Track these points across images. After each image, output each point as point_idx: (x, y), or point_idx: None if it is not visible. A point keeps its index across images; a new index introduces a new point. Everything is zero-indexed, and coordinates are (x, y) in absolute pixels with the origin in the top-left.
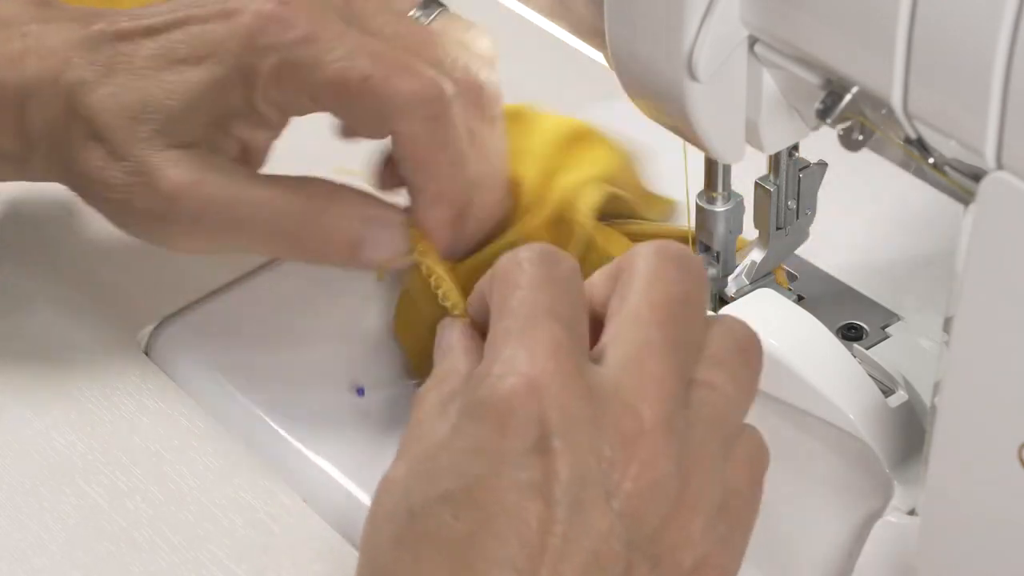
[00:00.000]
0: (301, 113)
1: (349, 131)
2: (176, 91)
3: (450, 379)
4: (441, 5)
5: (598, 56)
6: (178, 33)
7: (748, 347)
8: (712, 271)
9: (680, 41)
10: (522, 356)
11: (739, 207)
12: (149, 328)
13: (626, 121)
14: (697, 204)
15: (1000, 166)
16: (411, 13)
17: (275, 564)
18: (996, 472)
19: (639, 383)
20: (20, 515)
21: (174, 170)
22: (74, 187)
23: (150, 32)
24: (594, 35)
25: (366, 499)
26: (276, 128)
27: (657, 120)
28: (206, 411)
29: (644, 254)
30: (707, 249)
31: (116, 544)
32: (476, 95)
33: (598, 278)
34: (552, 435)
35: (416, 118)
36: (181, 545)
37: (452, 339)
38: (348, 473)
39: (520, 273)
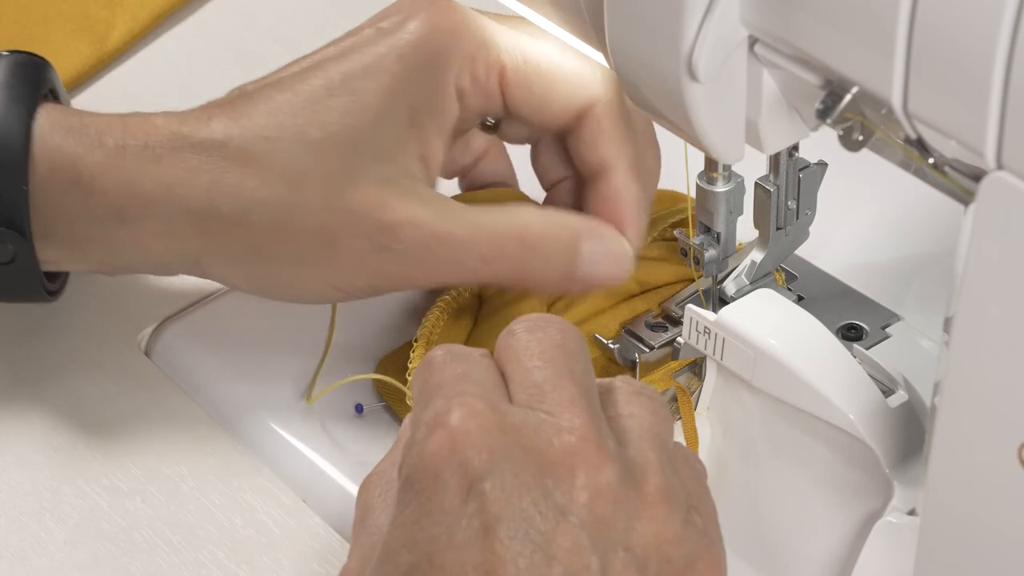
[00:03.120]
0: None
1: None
2: (352, 112)
3: (390, 471)
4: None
5: (598, 56)
6: (327, 49)
7: (643, 390)
8: (712, 252)
9: (680, 41)
10: (440, 412)
11: (739, 188)
12: (149, 328)
13: None
14: (697, 184)
15: (1000, 166)
16: None
17: (275, 564)
18: (996, 472)
19: (556, 407)
20: (20, 515)
21: (385, 208)
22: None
23: (279, 67)
24: (594, 35)
25: None
26: (460, 132)
27: (657, 120)
28: (206, 411)
29: (511, 331)
30: (707, 230)
31: (116, 544)
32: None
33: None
34: (481, 479)
35: (610, 90)
36: (181, 545)
37: (404, 432)
38: (348, 473)
39: (431, 365)
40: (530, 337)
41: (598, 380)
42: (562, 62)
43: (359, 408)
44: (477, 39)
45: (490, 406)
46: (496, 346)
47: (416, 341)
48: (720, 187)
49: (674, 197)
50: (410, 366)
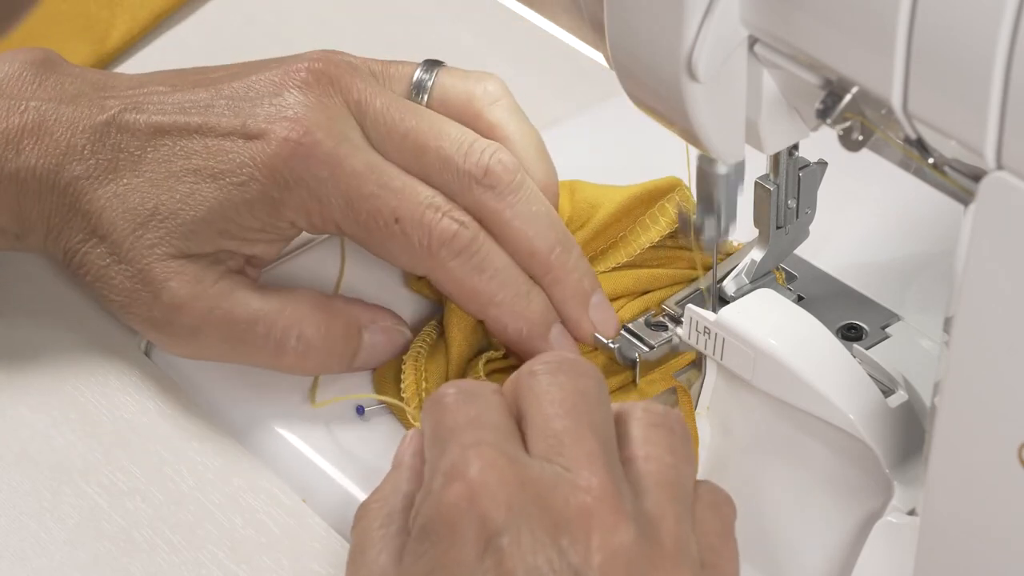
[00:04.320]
0: (323, 233)
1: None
2: (189, 203)
3: (391, 499)
4: (439, 63)
5: (598, 56)
6: (192, 142)
7: (663, 420)
8: (711, 233)
9: (680, 41)
10: (458, 463)
11: (740, 167)
12: None
13: (626, 121)
14: (698, 166)
15: (1000, 166)
16: (415, 76)
17: (275, 564)
18: (996, 472)
19: (574, 462)
20: (20, 515)
21: (175, 282)
22: (72, 275)
23: (160, 132)
24: (594, 35)
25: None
26: (288, 242)
27: (657, 120)
28: (206, 411)
29: (532, 372)
30: (708, 211)
31: (116, 544)
32: (488, 179)
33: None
34: (499, 534)
35: (445, 260)
36: (181, 545)
37: (404, 455)
38: (349, 474)
39: (443, 405)
40: (551, 380)
41: (616, 405)
42: (404, 227)
43: (360, 410)
44: (316, 190)
45: (508, 458)
46: (516, 383)
47: (404, 360)
48: (721, 168)
49: (669, 186)
50: (402, 386)
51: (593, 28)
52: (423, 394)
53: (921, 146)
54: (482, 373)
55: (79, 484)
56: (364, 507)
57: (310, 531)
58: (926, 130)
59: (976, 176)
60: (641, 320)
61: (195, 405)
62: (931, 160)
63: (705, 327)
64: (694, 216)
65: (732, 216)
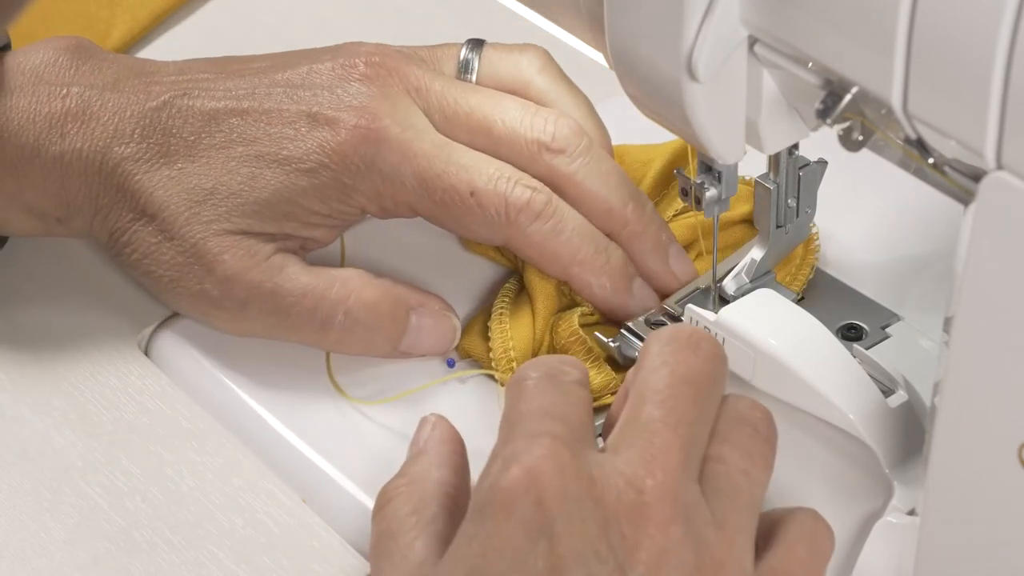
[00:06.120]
0: (394, 216)
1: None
2: (251, 185)
3: (420, 484)
4: (482, 41)
5: (598, 56)
6: (252, 128)
7: (752, 418)
8: (713, 191)
9: (680, 41)
10: (519, 450)
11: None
12: (149, 328)
13: (626, 121)
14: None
15: (1000, 166)
16: (461, 55)
17: (275, 564)
18: (996, 472)
19: (642, 458)
20: (20, 515)
21: (229, 255)
22: (117, 255)
23: (215, 118)
24: (594, 35)
25: (366, 499)
26: (348, 227)
27: (657, 120)
28: (206, 411)
29: (652, 343)
30: (708, 169)
31: (116, 544)
32: (557, 144)
33: (628, 376)
34: (553, 520)
35: (523, 226)
36: (181, 545)
37: (428, 442)
38: (348, 473)
39: (522, 388)
40: (659, 365)
41: None
42: (480, 199)
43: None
44: (389, 175)
45: (571, 452)
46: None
47: (490, 324)
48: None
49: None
50: (490, 347)
51: (593, 28)
52: (511, 352)
53: (921, 146)
54: (576, 324)
55: (79, 484)
56: (390, 489)
57: (310, 531)
58: (926, 130)
59: (976, 176)
60: (641, 320)
61: (195, 405)
62: (931, 160)
63: (705, 327)
64: (695, 180)
65: (734, 179)
